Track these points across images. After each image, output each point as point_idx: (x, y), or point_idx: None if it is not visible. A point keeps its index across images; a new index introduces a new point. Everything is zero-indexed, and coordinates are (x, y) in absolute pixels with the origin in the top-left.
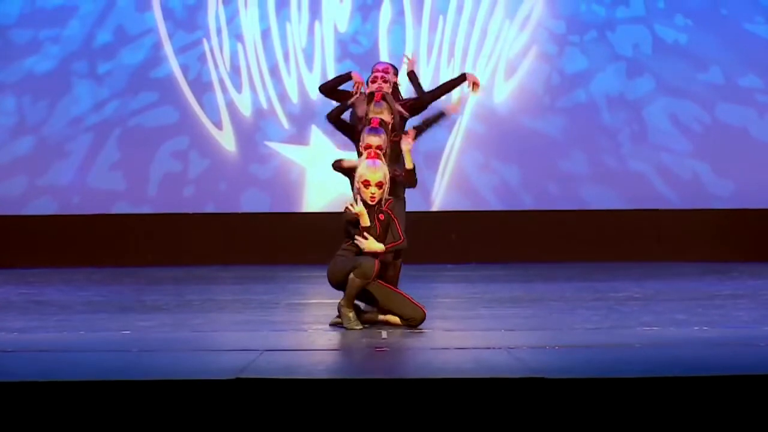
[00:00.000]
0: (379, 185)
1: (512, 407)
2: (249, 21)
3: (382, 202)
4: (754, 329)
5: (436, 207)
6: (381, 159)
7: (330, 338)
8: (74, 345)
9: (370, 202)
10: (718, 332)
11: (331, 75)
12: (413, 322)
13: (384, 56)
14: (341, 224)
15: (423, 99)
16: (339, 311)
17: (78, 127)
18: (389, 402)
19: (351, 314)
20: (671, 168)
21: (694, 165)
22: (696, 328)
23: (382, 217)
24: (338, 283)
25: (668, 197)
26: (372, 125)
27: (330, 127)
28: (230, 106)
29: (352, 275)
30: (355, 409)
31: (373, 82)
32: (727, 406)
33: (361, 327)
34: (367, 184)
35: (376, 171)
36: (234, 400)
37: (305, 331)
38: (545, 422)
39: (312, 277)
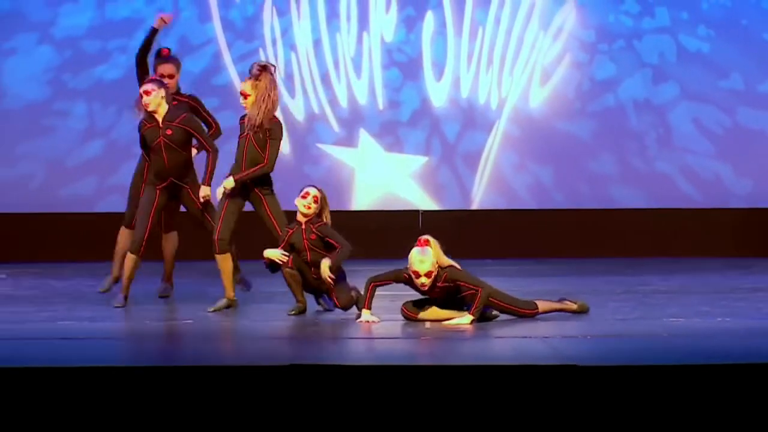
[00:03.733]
0: (428, 275)
1: (547, 392)
2: (302, 32)
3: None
4: None
5: (475, 205)
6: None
7: (377, 327)
8: (143, 334)
9: (422, 289)
10: (740, 323)
11: (379, 81)
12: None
13: (427, 64)
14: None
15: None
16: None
17: None
18: (433, 387)
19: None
20: (694, 169)
21: (715, 166)
22: (719, 319)
23: (440, 285)
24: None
25: (691, 196)
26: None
27: (376, 130)
28: (284, 110)
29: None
30: (401, 394)
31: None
32: (750, 393)
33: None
34: (417, 275)
35: (423, 261)
36: (288, 385)
37: (353, 320)
38: (577, 407)
39: (357, 270)
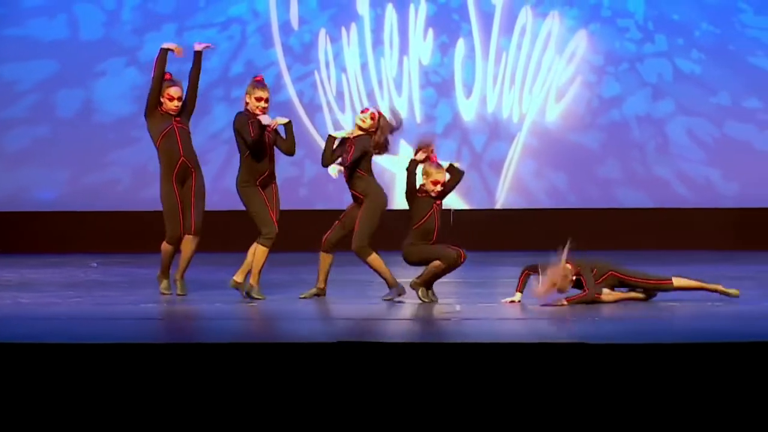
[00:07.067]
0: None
1: (560, 368)
2: (351, 56)
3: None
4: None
5: (499, 205)
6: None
7: (413, 310)
8: (210, 314)
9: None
10: (732, 308)
11: (417, 99)
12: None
13: (458, 84)
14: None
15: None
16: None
17: (216, 141)
18: (460, 363)
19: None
20: (688, 174)
21: (706, 171)
22: (709, 303)
23: None
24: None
25: (686, 197)
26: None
27: (414, 140)
28: (336, 124)
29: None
30: (433, 369)
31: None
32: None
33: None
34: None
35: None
36: (335, 360)
37: (394, 304)
38: (588, 381)
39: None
